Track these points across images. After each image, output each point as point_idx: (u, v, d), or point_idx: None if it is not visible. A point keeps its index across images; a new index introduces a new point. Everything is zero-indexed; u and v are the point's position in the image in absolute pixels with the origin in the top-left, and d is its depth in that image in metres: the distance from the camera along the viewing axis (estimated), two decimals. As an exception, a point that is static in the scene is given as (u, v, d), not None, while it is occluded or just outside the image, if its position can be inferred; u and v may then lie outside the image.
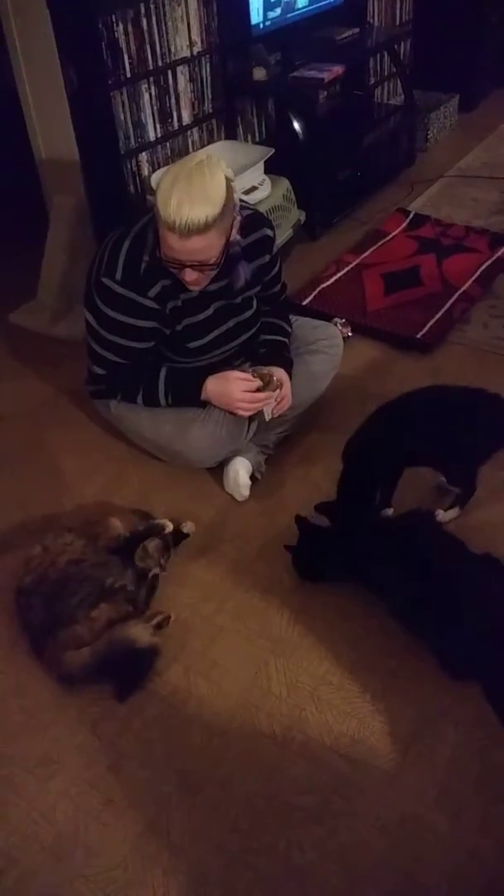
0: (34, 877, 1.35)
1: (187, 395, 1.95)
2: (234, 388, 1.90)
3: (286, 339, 2.09)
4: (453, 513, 1.88)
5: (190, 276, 1.75)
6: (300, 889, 1.31)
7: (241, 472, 2.02)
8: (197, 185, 1.63)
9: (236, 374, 1.93)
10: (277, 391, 1.93)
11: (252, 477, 2.05)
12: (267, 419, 1.96)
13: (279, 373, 1.96)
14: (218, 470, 2.08)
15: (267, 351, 2.04)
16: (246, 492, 2.03)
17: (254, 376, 1.92)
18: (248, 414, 1.95)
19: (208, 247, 1.68)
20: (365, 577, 1.69)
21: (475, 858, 1.33)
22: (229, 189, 1.67)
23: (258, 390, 1.90)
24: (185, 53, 2.80)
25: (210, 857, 1.35)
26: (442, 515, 1.88)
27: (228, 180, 1.68)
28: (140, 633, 1.63)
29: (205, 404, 1.96)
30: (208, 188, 1.64)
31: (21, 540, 1.97)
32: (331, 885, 1.31)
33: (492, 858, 1.32)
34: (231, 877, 1.33)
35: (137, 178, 2.80)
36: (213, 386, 1.93)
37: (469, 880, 1.30)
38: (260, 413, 1.94)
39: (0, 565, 1.91)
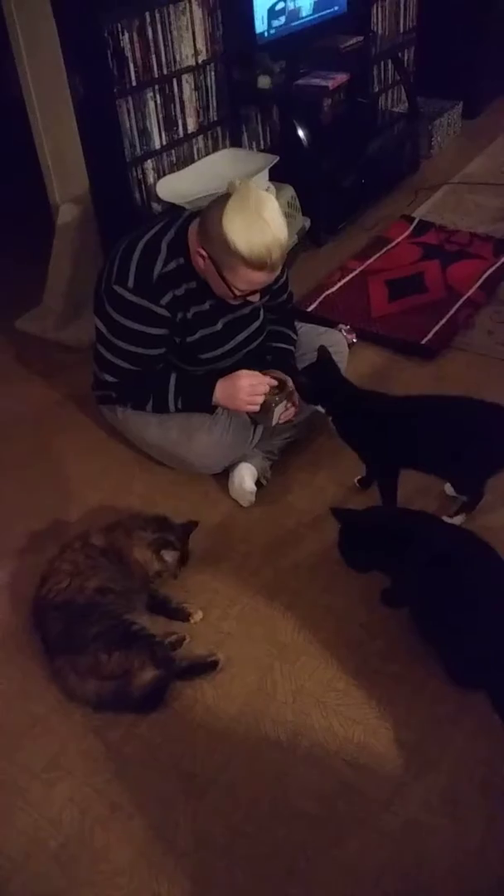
0: (40, 882, 1.35)
1: (198, 401, 1.96)
2: (241, 382, 1.90)
3: (292, 347, 2.11)
4: (459, 519, 1.88)
5: (256, 296, 1.82)
6: (305, 893, 1.31)
7: (246, 477, 2.03)
8: (272, 221, 1.65)
9: (245, 371, 1.93)
10: (286, 400, 1.94)
11: (257, 483, 2.05)
12: (273, 423, 1.97)
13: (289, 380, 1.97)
14: (223, 476, 2.09)
15: (273, 359, 2.06)
16: (252, 497, 2.03)
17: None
18: (254, 409, 1.93)
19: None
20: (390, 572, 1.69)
21: (479, 865, 1.33)
22: None
23: (271, 392, 1.92)
24: (191, 62, 2.82)
25: (215, 862, 1.36)
26: (447, 521, 1.88)
27: None
28: (147, 678, 1.57)
29: (214, 409, 1.97)
30: (279, 220, 1.68)
31: (29, 545, 1.98)
32: (335, 889, 1.31)
33: (496, 865, 1.32)
34: (236, 882, 1.33)
35: (143, 185, 2.81)
36: (221, 390, 1.93)
37: (473, 887, 1.30)
38: (266, 418, 1.95)
39: (9, 571, 1.92)
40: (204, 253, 1.73)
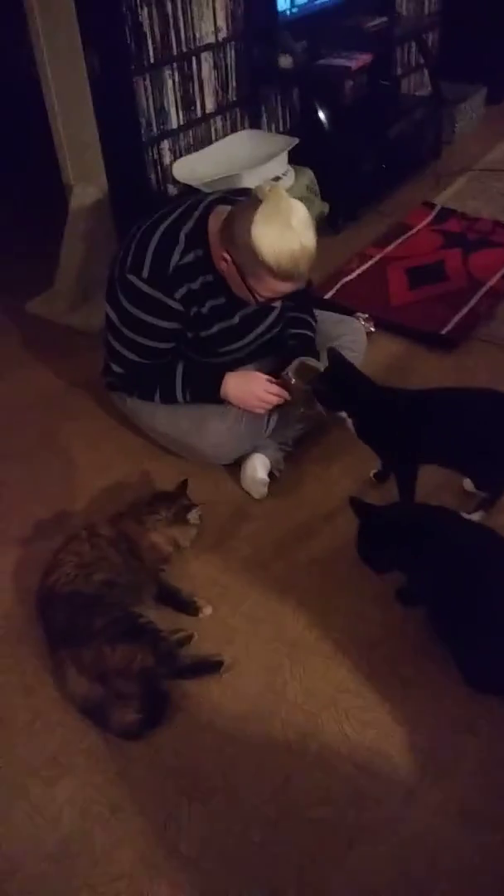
0: (38, 883, 1.31)
1: (206, 392, 1.91)
2: (256, 388, 1.87)
3: (312, 334, 2.04)
4: (478, 515, 1.82)
5: (279, 301, 1.79)
6: (313, 906, 1.26)
7: (259, 468, 1.97)
8: (302, 232, 1.60)
9: (258, 374, 1.91)
10: None
11: (270, 474, 1.99)
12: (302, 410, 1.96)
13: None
14: (235, 466, 2.03)
15: (296, 344, 1.99)
16: (264, 489, 1.97)
17: (291, 375, 1.89)
18: (263, 412, 1.92)
19: None
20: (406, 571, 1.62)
21: (499, 879, 1.27)
22: None
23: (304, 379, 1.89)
24: (210, 39, 2.74)
25: (219, 869, 1.30)
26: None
27: None
28: (128, 719, 1.49)
29: (223, 401, 1.91)
30: (310, 230, 1.62)
31: (34, 533, 1.94)
32: (345, 902, 1.26)
33: (514, 880, 1.27)
34: (241, 890, 1.28)
35: (159, 166, 2.74)
36: (235, 384, 1.89)
37: (490, 902, 1.25)
38: (296, 406, 1.93)
39: (13, 559, 1.87)
40: (228, 258, 1.68)
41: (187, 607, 1.71)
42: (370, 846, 1.32)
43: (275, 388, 1.88)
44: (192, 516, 1.79)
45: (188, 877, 1.30)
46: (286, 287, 1.68)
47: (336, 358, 1.80)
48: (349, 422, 1.82)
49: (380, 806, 1.37)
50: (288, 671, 1.59)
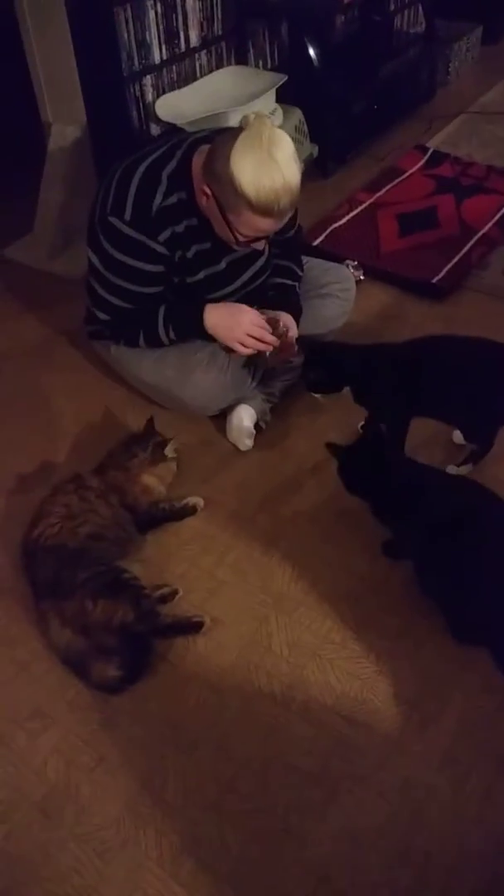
0: (23, 835, 1.31)
1: (189, 325, 1.82)
2: (244, 318, 1.77)
3: (296, 284, 1.98)
4: (466, 468, 1.80)
5: (261, 243, 1.70)
6: (297, 853, 1.27)
7: (245, 420, 1.93)
8: (284, 164, 1.51)
9: (247, 307, 1.81)
10: (283, 337, 1.82)
11: (256, 426, 1.96)
12: (268, 366, 1.88)
13: (286, 318, 1.85)
14: (221, 418, 1.99)
15: (275, 294, 1.93)
16: (250, 441, 1.94)
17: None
18: (246, 351, 1.80)
19: None
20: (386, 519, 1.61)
21: (479, 826, 1.28)
22: None
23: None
24: (194, -33, 2.60)
25: (205, 818, 1.31)
26: (454, 471, 1.80)
27: None
28: (109, 674, 1.48)
29: (210, 337, 1.83)
30: (293, 163, 1.53)
31: (17, 486, 1.90)
32: (329, 849, 1.27)
33: (496, 827, 1.28)
34: (226, 839, 1.28)
35: (141, 104, 2.62)
36: (219, 314, 1.79)
37: (472, 849, 1.26)
38: (262, 357, 1.85)
39: (-6, 512, 1.84)
40: (208, 191, 1.60)
41: (184, 511, 1.78)
42: (355, 797, 1.33)
43: (259, 331, 1.77)
44: (169, 450, 1.78)
45: (174, 825, 1.30)
46: (266, 224, 1.60)
47: (312, 345, 1.78)
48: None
49: (364, 757, 1.38)
50: (273, 623, 1.59)
